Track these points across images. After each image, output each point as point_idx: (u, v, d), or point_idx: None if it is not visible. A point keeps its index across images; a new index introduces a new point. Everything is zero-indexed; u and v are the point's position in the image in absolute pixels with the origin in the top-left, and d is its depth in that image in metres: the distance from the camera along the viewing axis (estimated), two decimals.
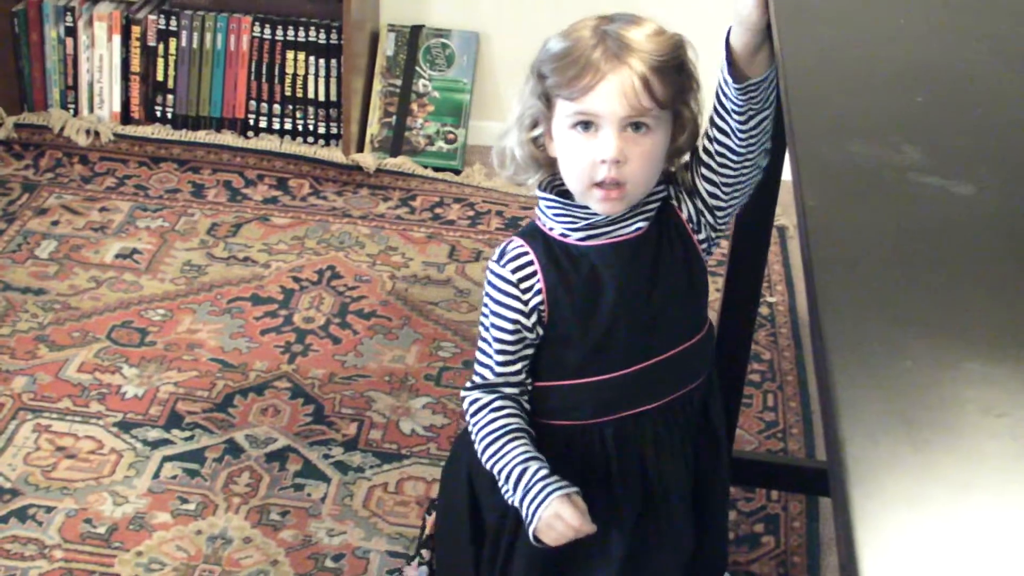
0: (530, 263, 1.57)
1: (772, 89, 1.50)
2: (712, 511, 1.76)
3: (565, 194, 1.59)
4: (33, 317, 2.66)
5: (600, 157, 1.49)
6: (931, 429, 0.83)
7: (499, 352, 1.60)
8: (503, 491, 1.58)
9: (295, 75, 3.28)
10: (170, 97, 3.33)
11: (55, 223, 3.00)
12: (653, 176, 1.54)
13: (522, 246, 1.59)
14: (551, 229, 1.59)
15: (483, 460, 1.60)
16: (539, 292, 1.57)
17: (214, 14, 3.27)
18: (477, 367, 1.63)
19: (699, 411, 1.68)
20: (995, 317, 0.95)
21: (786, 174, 1.81)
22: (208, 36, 3.27)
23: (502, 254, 1.60)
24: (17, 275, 2.80)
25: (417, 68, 3.32)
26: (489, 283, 1.60)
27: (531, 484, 1.53)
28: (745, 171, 1.57)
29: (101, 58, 3.31)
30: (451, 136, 3.31)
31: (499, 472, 1.57)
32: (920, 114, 1.25)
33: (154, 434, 2.37)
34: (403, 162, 3.27)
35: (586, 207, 1.56)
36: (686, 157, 1.60)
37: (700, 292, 1.64)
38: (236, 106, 3.31)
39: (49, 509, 2.19)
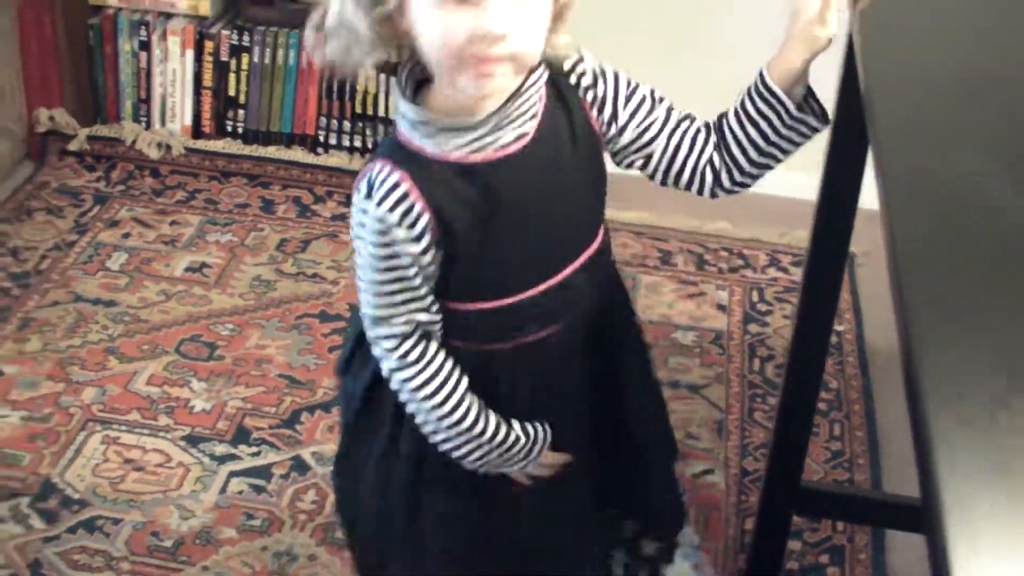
0: (405, 194, 1.35)
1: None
2: (637, 399, 1.63)
3: (417, 85, 1.38)
4: (103, 329, 2.69)
5: (482, 31, 1.26)
6: None
7: (405, 292, 1.40)
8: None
9: (366, 92, 3.29)
10: (241, 112, 3.35)
11: (126, 235, 3.03)
12: (540, 47, 1.33)
13: (391, 173, 1.36)
14: (423, 147, 1.37)
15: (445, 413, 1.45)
16: (426, 224, 1.36)
17: (287, 30, 3.29)
18: (381, 322, 1.42)
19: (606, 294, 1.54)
20: None
21: (861, 201, 1.80)
22: (280, 52, 3.30)
23: (370, 188, 1.36)
24: (88, 286, 2.83)
25: None
26: (361, 225, 1.38)
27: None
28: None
29: (174, 72, 3.34)
30: None
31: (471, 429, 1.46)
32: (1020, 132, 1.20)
33: (221, 449, 2.39)
34: None
35: (457, 123, 1.35)
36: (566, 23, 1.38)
37: (601, 188, 1.48)
38: (306, 122, 3.33)
39: (116, 521, 2.21)
